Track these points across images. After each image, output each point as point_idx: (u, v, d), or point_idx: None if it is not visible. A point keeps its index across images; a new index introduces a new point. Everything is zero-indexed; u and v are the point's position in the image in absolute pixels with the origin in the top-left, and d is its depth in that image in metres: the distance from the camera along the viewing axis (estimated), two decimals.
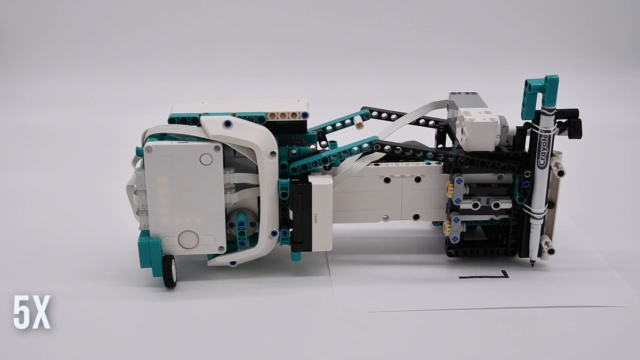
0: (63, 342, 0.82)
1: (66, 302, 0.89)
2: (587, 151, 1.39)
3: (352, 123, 0.99)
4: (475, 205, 0.94)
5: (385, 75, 1.66)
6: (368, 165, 0.94)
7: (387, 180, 0.95)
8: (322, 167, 0.92)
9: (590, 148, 1.40)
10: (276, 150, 0.89)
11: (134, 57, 1.68)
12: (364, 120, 0.99)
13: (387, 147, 0.92)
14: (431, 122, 1.03)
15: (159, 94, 1.56)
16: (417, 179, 0.95)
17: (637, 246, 1.03)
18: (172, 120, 0.89)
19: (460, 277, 0.94)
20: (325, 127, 1.01)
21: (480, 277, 0.94)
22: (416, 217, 0.97)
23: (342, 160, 0.93)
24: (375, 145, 0.91)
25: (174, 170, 0.87)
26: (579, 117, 0.93)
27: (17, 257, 0.99)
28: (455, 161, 0.92)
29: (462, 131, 0.93)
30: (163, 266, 0.90)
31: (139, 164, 0.90)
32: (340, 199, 0.94)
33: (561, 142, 1.39)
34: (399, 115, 1.02)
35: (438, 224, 1.05)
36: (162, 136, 0.89)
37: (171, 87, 1.59)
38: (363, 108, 1.01)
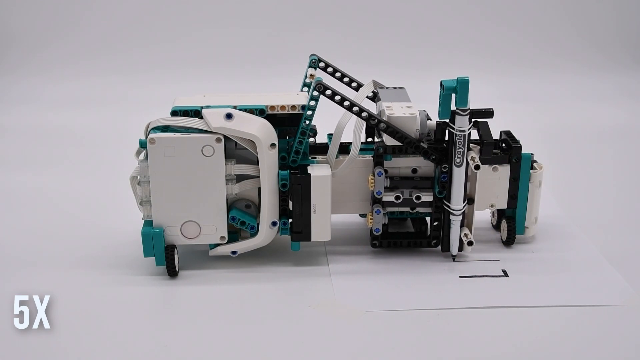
0: (63, 342, 0.82)
1: (67, 295, 0.89)
2: (579, 149, 1.41)
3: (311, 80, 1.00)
4: (397, 197, 0.95)
5: (383, 76, 1.67)
6: (365, 156, 0.96)
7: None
8: (307, 141, 0.93)
9: (583, 146, 1.42)
10: (276, 142, 0.90)
11: (141, 60, 1.69)
12: (314, 68, 1.01)
13: (328, 92, 0.92)
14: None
15: (165, 96, 1.56)
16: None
17: (638, 245, 1.03)
18: (174, 112, 0.91)
19: (460, 277, 0.94)
20: None
21: (481, 276, 0.94)
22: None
23: (310, 121, 0.93)
24: (318, 86, 0.91)
25: (177, 161, 0.89)
26: (490, 118, 0.95)
27: (17, 257, 0.99)
28: (385, 130, 0.92)
29: None
30: (166, 255, 0.92)
31: (142, 156, 0.92)
32: (339, 190, 0.96)
33: (558, 141, 1.42)
34: (343, 74, 1.04)
35: (363, 215, 1.05)
36: (164, 128, 0.91)
37: (176, 90, 1.60)
38: (312, 55, 1.03)
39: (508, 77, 1.68)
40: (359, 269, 0.96)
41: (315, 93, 0.91)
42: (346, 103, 0.93)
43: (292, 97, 0.94)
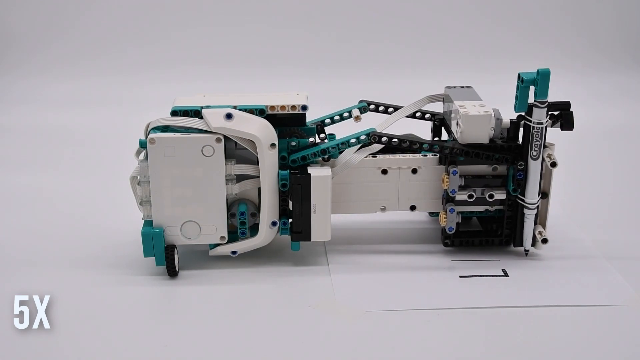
0: (63, 342, 0.82)
1: (67, 295, 0.89)
2: (579, 149, 1.40)
3: (351, 116, 1.02)
4: (470, 196, 0.95)
5: (382, 76, 1.67)
6: (366, 157, 0.96)
7: (384, 171, 0.97)
8: (320, 158, 0.94)
9: (582, 146, 1.42)
10: (276, 142, 0.90)
11: (141, 60, 1.69)
12: (361, 113, 1.01)
13: (384, 139, 0.94)
14: (427, 115, 1.05)
15: (165, 96, 1.56)
16: (414, 171, 0.97)
17: (638, 245, 1.03)
18: (174, 112, 0.91)
19: (460, 277, 0.94)
20: (324, 120, 1.03)
21: (481, 276, 0.94)
22: (413, 208, 0.99)
23: (341, 152, 0.95)
24: (372, 136, 0.93)
25: (177, 161, 0.89)
26: (571, 110, 0.95)
27: (17, 257, 0.99)
28: (450, 153, 0.94)
29: (457, 124, 0.94)
30: (166, 255, 0.92)
31: (142, 156, 0.92)
32: (339, 190, 0.96)
33: (557, 141, 1.41)
34: (396, 108, 1.04)
35: (434, 214, 1.07)
36: (164, 128, 0.91)
37: (176, 90, 1.60)
38: (361, 101, 1.03)
39: (507, 77, 1.67)
40: (358, 268, 0.96)
41: (364, 137, 0.93)
42: (405, 144, 0.94)
43: (292, 97, 0.94)
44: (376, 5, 1.75)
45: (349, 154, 0.95)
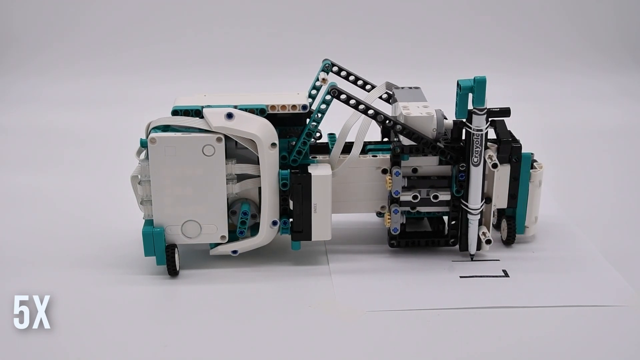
0: (63, 342, 0.82)
1: (67, 295, 0.89)
2: (579, 149, 1.41)
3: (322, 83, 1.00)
4: (415, 197, 0.95)
5: (383, 75, 1.67)
6: (365, 156, 0.96)
7: (384, 171, 0.97)
8: (312, 141, 0.93)
9: (582, 146, 1.42)
10: (277, 142, 0.91)
11: (141, 60, 1.69)
12: (327, 73, 1.00)
13: (343, 96, 0.92)
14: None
15: (165, 96, 1.56)
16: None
17: (638, 245, 1.03)
18: (175, 112, 0.91)
19: (460, 277, 0.94)
20: None
21: (481, 276, 0.94)
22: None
23: (319, 124, 0.93)
24: (332, 91, 0.92)
25: (177, 161, 0.89)
26: (505, 118, 0.96)
27: (17, 257, 0.99)
28: (401, 132, 0.93)
29: None
30: (166, 255, 0.92)
31: (142, 155, 0.92)
32: (339, 189, 0.96)
33: (558, 141, 1.42)
34: (357, 77, 1.04)
35: (381, 215, 1.05)
36: (165, 128, 0.91)
37: (176, 90, 1.60)
38: (324, 60, 1.03)
39: (508, 77, 1.68)
40: (359, 268, 0.96)
41: (328, 97, 0.92)
42: (361, 107, 0.93)
43: (293, 96, 0.94)
44: (377, 6, 1.75)
45: (339, 148, 0.95)
